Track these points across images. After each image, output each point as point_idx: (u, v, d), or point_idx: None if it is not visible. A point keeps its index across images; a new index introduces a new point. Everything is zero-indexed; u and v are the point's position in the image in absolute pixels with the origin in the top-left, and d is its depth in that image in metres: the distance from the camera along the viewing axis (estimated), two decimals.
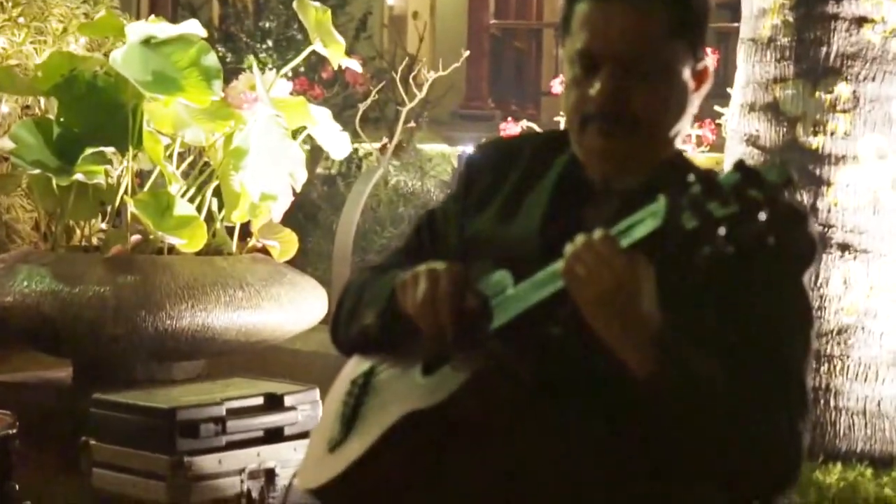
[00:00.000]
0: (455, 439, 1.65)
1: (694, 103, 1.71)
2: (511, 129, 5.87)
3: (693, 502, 1.68)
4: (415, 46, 8.17)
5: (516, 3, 14.12)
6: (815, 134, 3.94)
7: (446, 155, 7.71)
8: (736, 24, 4.59)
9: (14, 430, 3.43)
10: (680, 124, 1.71)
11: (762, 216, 1.40)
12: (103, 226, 4.60)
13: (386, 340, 1.82)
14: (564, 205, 1.76)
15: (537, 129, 5.75)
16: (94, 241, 4.61)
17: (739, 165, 1.46)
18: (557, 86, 5.67)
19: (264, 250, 4.58)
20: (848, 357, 3.92)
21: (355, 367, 1.91)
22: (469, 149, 6.69)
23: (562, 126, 2.55)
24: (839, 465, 3.81)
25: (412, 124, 6.66)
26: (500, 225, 1.84)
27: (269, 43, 8.76)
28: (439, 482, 1.68)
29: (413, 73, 6.41)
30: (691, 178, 1.44)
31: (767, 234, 1.41)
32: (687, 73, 1.70)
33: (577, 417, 1.62)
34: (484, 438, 1.65)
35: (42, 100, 4.58)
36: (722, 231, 1.40)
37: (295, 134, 4.39)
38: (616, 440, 1.61)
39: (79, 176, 4.10)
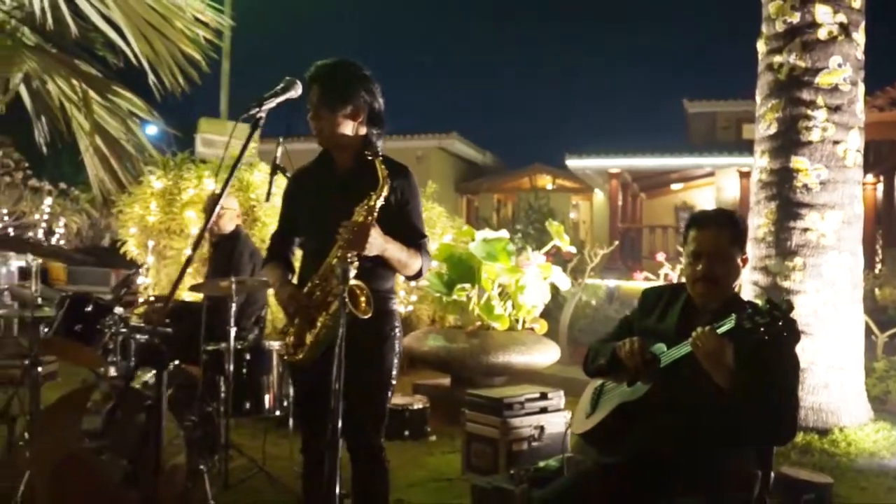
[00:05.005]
0: (640, 413, 2.34)
1: (741, 273, 2.41)
2: (637, 276, 7.83)
3: (748, 448, 2.33)
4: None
5: (630, 213, 20.15)
6: (785, 280, 5.09)
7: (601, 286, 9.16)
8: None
9: (427, 405, 5.10)
10: (736, 282, 2.40)
11: (779, 323, 2.06)
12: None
13: (609, 372, 2.48)
14: (686, 315, 2.42)
15: (651, 276, 6.95)
16: (458, 323, 6.09)
17: (768, 300, 2.11)
18: (659, 256, 7.15)
19: (531, 329, 6.03)
20: (805, 381, 4.90)
21: (594, 383, 2.59)
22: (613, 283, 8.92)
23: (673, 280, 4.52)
24: (801, 433, 4.85)
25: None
26: (657, 323, 2.48)
27: (531, 231, 10.98)
28: (632, 433, 2.36)
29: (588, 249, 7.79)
30: (748, 306, 2.17)
31: (781, 330, 2.07)
32: (738, 260, 2.38)
33: (695, 403, 2.24)
34: (653, 413, 2.31)
35: None
36: (761, 329, 2.07)
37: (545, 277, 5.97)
38: (712, 417, 2.20)
39: (455, 296, 5.81)
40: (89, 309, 3.67)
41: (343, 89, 2.61)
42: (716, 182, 19.57)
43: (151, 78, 6.92)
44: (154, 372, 3.65)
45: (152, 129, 7.95)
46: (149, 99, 7.52)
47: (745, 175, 17.04)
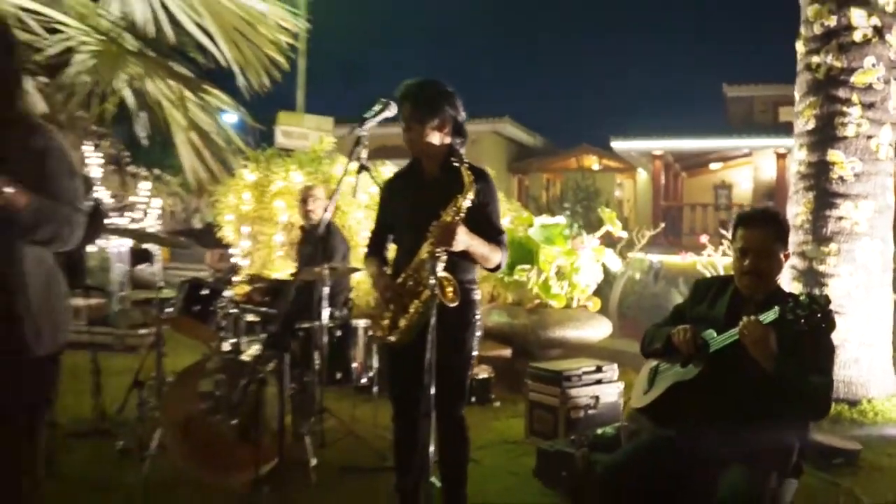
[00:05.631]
0: (692, 392, 2.44)
1: (783, 266, 2.46)
2: (684, 255, 7.54)
3: (788, 423, 2.37)
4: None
5: (672, 192, 19.84)
6: (821, 264, 5.14)
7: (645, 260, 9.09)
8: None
9: (491, 375, 5.27)
10: (779, 274, 2.47)
11: (818, 315, 2.15)
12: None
13: (664, 355, 2.57)
14: (733, 304, 2.49)
15: (695, 256, 6.88)
16: (517, 301, 6.11)
17: (809, 295, 2.19)
18: (702, 238, 6.94)
19: (585, 306, 6.12)
20: (837, 357, 4.81)
21: (650, 362, 2.66)
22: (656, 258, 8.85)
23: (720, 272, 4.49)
24: (833, 404, 4.63)
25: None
26: (707, 311, 2.55)
27: (578, 209, 10.74)
28: (685, 409, 2.46)
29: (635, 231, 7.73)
30: (790, 298, 2.21)
31: (820, 322, 2.17)
32: (781, 255, 2.45)
33: (741, 384, 2.33)
34: (703, 392, 2.42)
35: None
36: (802, 321, 2.17)
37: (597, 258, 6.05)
38: (756, 396, 2.30)
39: (515, 277, 5.93)
40: (205, 292, 3.94)
41: (430, 105, 2.74)
42: (753, 162, 19.25)
43: (241, 80, 7.23)
44: (260, 346, 3.97)
45: (232, 118, 8.31)
46: (232, 94, 7.90)
47: (781, 156, 16.75)
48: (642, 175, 21.02)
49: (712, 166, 20.87)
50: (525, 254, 5.71)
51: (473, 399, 5.20)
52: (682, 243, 14.74)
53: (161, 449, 3.70)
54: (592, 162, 21.71)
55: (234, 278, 4.34)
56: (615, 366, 4.64)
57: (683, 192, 21.18)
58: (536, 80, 79.29)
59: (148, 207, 12.46)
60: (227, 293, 4.00)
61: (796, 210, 5.23)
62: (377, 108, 2.61)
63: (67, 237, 2.08)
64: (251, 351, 3.99)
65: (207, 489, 3.52)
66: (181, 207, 13.64)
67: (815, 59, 5.12)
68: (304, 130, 8.42)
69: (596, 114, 59.41)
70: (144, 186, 12.39)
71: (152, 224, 12.37)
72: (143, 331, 6.89)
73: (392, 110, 2.65)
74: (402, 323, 2.74)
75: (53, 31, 7.08)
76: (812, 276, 5.07)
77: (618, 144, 18.11)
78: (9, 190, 1.90)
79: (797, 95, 5.33)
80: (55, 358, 2.19)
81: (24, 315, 2.03)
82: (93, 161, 10.84)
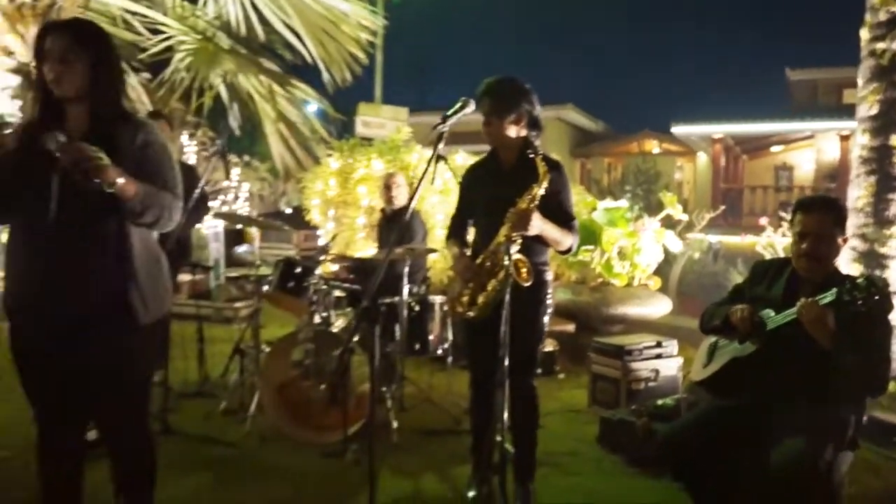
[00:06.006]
0: (749, 367, 2.48)
1: (840, 250, 2.46)
2: (744, 236, 7.48)
3: (844, 398, 2.37)
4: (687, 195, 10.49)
5: (732, 174, 19.20)
6: (882, 246, 4.92)
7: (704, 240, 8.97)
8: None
9: (556, 348, 5.34)
10: (836, 258, 2.47)
11: (875, 297, 2.13)
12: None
13: (723, 332, 2.60)
14: (791, 286, 2.49)
15: (754, 237, 6.66)
16: (580, 279, 6.14)
17: (867, 278, 2.18)
18: (762, 220, 6.77)
19: (646, 285, 6.09)
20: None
21: (709, 339, 2.73)
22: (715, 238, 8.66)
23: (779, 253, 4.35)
24: (893, 382, 4.33)
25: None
26: (766, 292, 2.56)
27: (639, 191, 10.06)
28: (742, 383, 2.52)
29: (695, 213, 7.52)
30: (847, 280, 2.20)
31: (877, 303, 2.16)
32: (839, 240, 2.44)
33: (796, 361, 2.35)
34: (760, 367, 2.46)
35: None
36: (859, 301, 2.17)
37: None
38: (811, 373, 2.31)
39: (579, 257, 5.90)
40: (297, 270, 4.14)
41: (508, 101, 2.83)
42: (815, 144, 18.54)
43: (325, 75, 7.45)
44: (350, 319, 4.15)
45: (313, 108, 8.57)
46: (315, 88, 8.16)
47: (844, 138, 16.07)
48: (702, 158, 20.51)
49: (773, 149, 20.19)
50: (588, 235, 5.71)
51: (539, 371, 5.11)
52: (741, 224, 14.39)
53: (259, 410, 3.94)
54: (653, 146, 21.29)
55: (323, 258, 4.51)
56: (674, 341, 4.66)
57: (744, 175, 20.57)
58: (599, 68, 77.69)
59: (238, 191, 12.99)
60: (317, 271, 4.19)
61: (858, 193, 5.09)
62: (457, 106, 2.67)
63: (167, 221, 2.23)
64: (339, 323, 4.19)
65: (301, 446, 3.72)
66: (269, 191, 14.06)
67: (880, 45, 4.95)
68: (382, 120, 8.58)
69: (658, 100, 57.89)
70: (235, 172, 12.94)
71: (242, 207, 12.89)
72: (238, 304, 7.24)
73: (470, 107, 2.72)
74: (481, 300, 2.86)
75: (155, 32, 7.48)
76: (872, 258, 4.93)
77: (679, 129, 17.68)
78: (121, 181, 2.04)
79: (860, 81, 5.17)
80: (161, 326, 2.35)
81: (132, 288, 2.18)
82: (190, 149, 11.42)
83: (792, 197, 16.43)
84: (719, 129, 17.33)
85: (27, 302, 2.17)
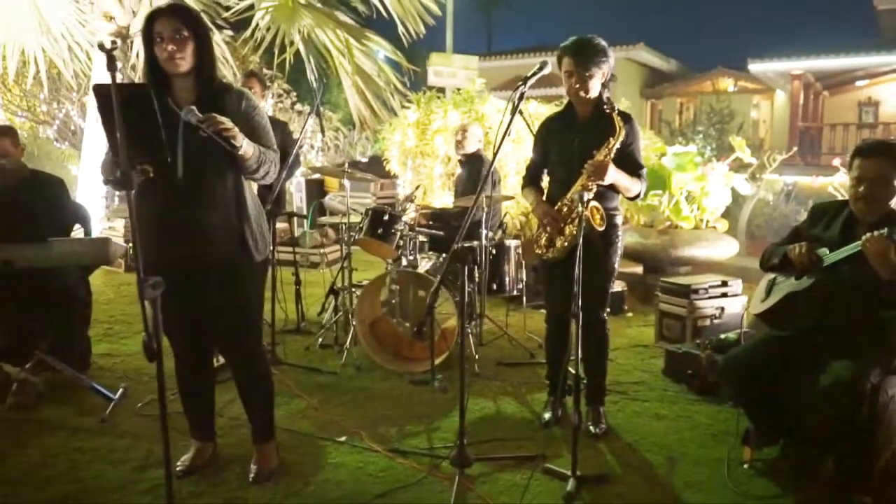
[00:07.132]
0: (804, 300, 2.66)
1: None
2: (815, 179, 7.33)
3: (890, 325, 2.53)
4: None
5: (812, 112, 18.30)
6: None
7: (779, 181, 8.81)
8: None
9: (625, 289, 5.51)
10: (892, 201, 2.56)
11: None
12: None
13: (781, 268, 2.78)
14: (847, 226, 2.65)
15: (826, 178, 6.65)
16: (649, 222, 6.27)
17: None
18: (835, 162, 6.71)
19: (714, 227, 6.18)
20: None
21: (768, 276, 2.92)
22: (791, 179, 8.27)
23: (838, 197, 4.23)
24: None
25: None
26: (823, 232, 2.71)
27: (712, 132, 10.12)
28: (798, 314, 2.68)
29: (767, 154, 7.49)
30: None
31: None
32: (894, 183, 2.55)
33: (848, 293, 2.53)
34: (815, 300, 2.64)
35: None
36: None
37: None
38: (865, 304, 2.49)
39: (648, 201, 6.09)
40: (386, 218, 4.52)
41: (587, 58, 3.02)
42: None
43: (400, 28, 7.72)
44: (438, 261, 4.50)
45: (380, 56, 8.83)
46: (387, 39, 8.42)
47: None
48: (780, 96, 19.81)
49: (857, 83, 19.30)
50: (657, 180, 5.85)
51: (609, 310, 5.49)
52: (820, 164, 13.99)
53: (353, 343, 4.38)
54: (728, 84, 20.64)
55: (408, 205, 4.86)
56: (740, 281, 4.83)
57: (824, 112, 19.77)
58: (671, 3, 74.36)
59: (313, 141, 13.43)
60: (403, 218, 4.56)
61: None
62: (536, 68, 2.89)
63: (273, 175, 2.61)
64: (424, 265, 4.56)
65: (392, 375, 4.12)
66: (343, 141, 14.45)
67: None
68: (453, 69, 8.81)
69: (734, 36, 55.21)
70: (310, 122, 13.28)
71: (316, 157, 13.34)
72: (325, 249, 7.71)
73: (548, 69, 2.94)
74: (559, 243, 3.17)
75: None
76: None
77: (755, 66, 17.11)
78: (245, 144, 2.41)
79: None
80: (265, 264, 2.77)
81: (249, 232, 2.58)
82: (267, 103, 11.83)
83: (877, 135, 15.81)
84: (800, 66, 16.68)
85: (164, 251, 2.50)
